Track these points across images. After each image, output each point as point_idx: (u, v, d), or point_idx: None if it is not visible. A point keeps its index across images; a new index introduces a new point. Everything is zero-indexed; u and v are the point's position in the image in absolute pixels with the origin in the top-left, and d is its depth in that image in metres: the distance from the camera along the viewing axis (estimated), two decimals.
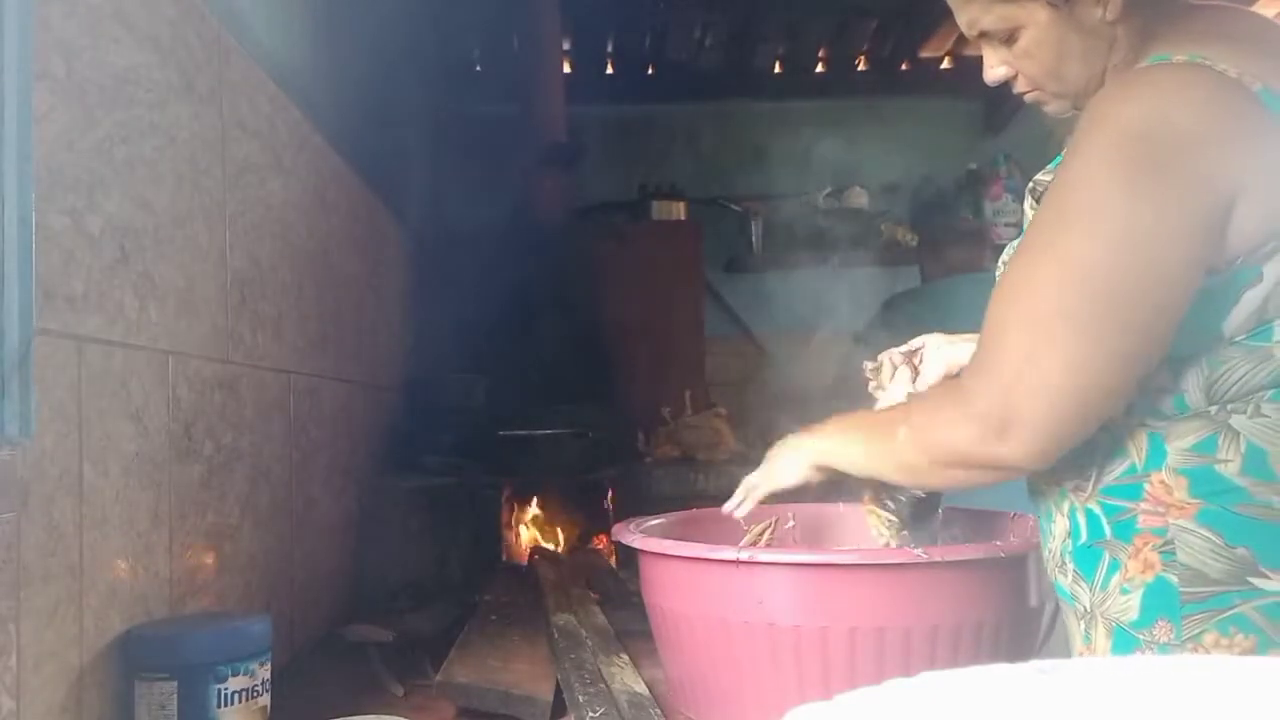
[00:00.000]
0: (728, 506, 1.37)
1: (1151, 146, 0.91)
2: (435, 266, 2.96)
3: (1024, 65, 1.05)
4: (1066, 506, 1.05)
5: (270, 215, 1.59)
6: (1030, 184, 1.08)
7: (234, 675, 1.08)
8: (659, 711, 1.21)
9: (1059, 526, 1.06)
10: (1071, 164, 0.96)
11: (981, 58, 1.10)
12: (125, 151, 1.10)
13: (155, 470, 1.16)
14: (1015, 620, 1.21)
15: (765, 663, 1.14)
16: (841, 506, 1.55)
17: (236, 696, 1.08)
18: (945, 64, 4.16)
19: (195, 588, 1.27)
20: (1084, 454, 1.01)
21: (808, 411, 1.34)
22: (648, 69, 4.17)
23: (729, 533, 1.51)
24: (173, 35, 1.23)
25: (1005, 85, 1.11)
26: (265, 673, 1.13)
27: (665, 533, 1.39)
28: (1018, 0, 1.00)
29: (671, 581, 1.26)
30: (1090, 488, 1.02)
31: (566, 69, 3.81)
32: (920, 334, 2.56)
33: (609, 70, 4.17)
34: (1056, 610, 1.32)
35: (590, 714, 1.19)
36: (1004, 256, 1.14)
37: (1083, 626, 1.04)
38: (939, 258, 3.00)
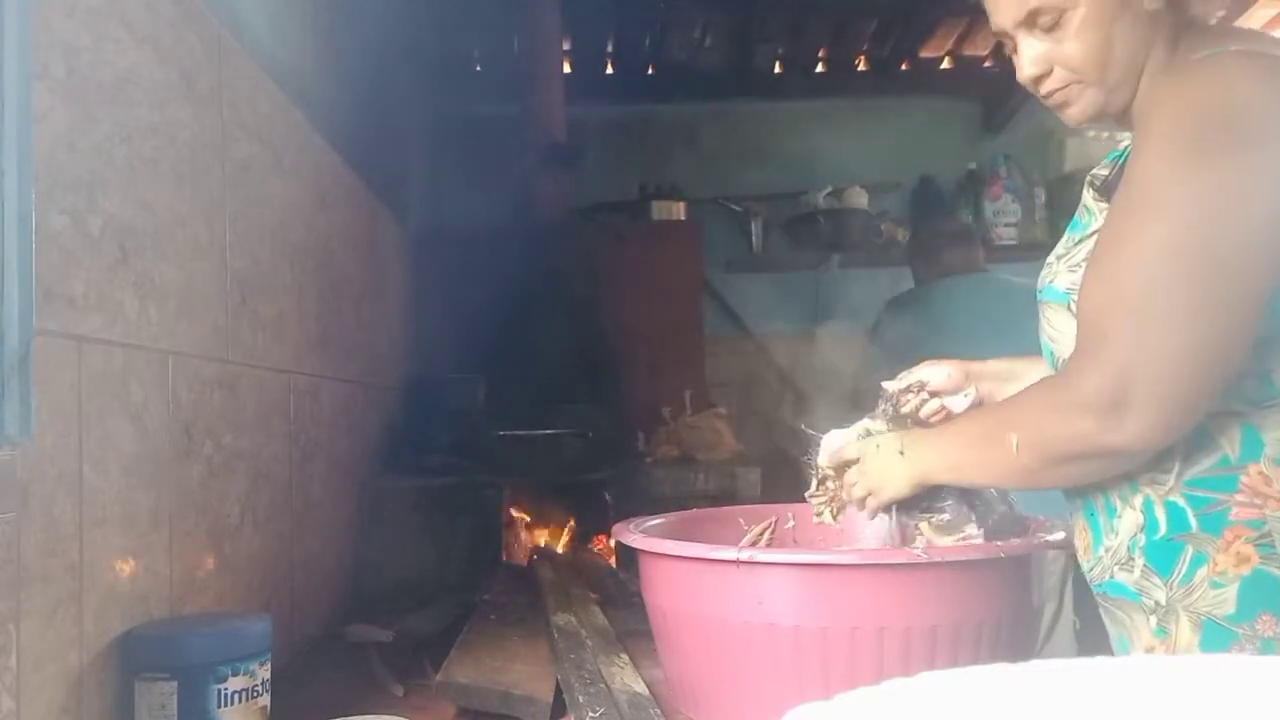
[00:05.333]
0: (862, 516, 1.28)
1: (1225, 121, 0.95)
2: (435, 266, 2.96)
3: (1067, 50, 1.05)
4: (1140, 500, 1.05)
5: (270, 215, 1.59)
6: (1089, 176, 1.10)
7: (234, 675, 1.08)
8: (659, 711, 1.21)
9: (1127, 521, 1.06)
10: (1147, 148, 0.98)
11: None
12: (125, 151, 1.10)
13: (155, 470, 1.16)
14: (1015, 620, 1.21)
15: (765, 663, 1.14)
16: None
17: (236, 696, 1.08)
18: (945, 64, 4.16)
19: (195, 588, 1.27)
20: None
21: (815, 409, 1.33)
22: (648, 69, 4.17)
23: (729, 533, 1.51)
24: (173, 35, 1.23)
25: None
26: (265, 673, 1.13)
27: (665, 533, 1.39)
28: None
29: (671, 581, 1.26)
30: (1173, 480, 1.02)
31: (566, 69, 3.81)
32: (921, 334, 2.57)
33: (609, 70, 4.17)
34: (1058, 610, 1.32)
35: (590, 714, 1.19)
36: (1058, 251, 1.14)
37: (1153, 621, 1.04)
38: (931, 260, 2.99)
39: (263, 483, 1.53)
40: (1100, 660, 0.54)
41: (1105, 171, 1.08)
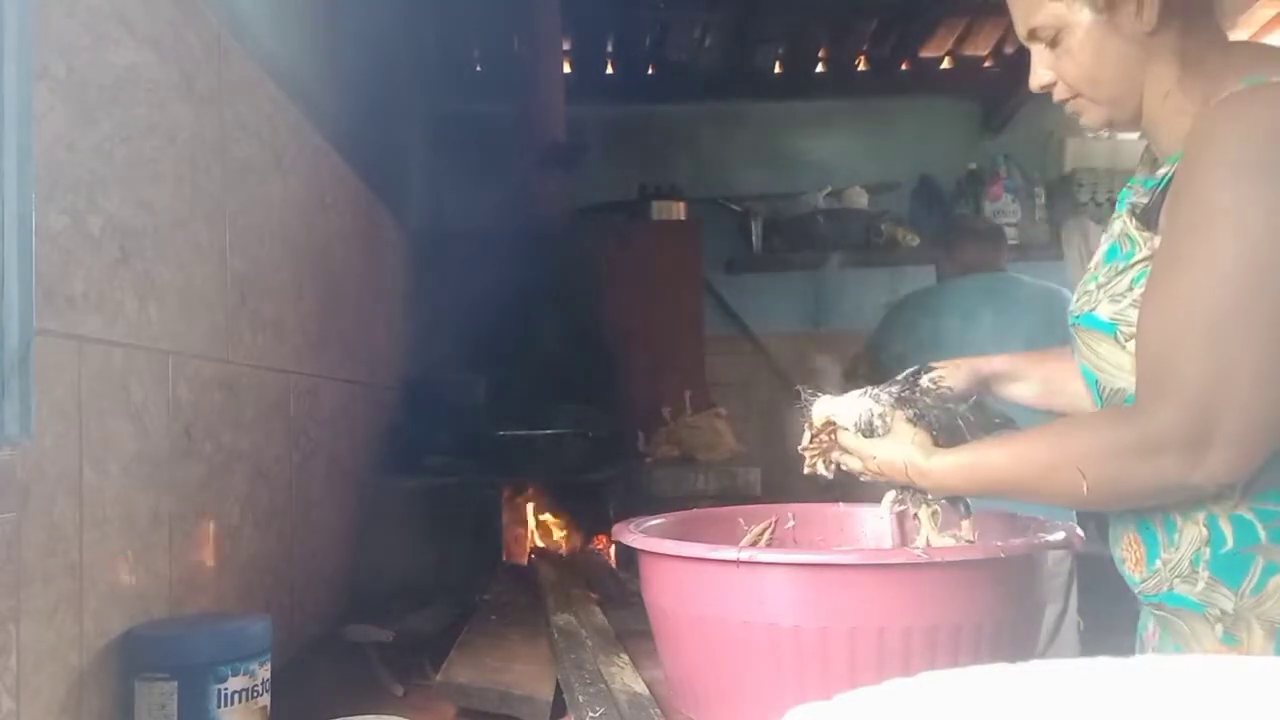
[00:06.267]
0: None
1: (1277, 153, 0.96)
2: (435, 266, 2.96)
3: (1065, 66, 1.11)
4: (1203, 516, 1.06)
5: (270, 215, 1.59)
6: (1129, 205, 1.12)
7: (234, 675, 1.08)
8: (659, 711, 1.21)
9: (1188, 536, 1.07)
10: (1200, 178, 0.99)
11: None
12: (125, 151, 1.10)
13: (155, 470, 1.16)
14: (1015, 620, 1.21)
15: (765, 663, 1.14)
16: (841, 506, 1.55)
17: (236, 696, 1.08)
18: (945, 64, 4.16)
19: (195, 588, 1.27)
20: None
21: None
22: (648, 69, 4.18)
23: (729, 533, 1.51)
24: (173, 35, 1.23)
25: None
26: (265, 673, 1.13)
27: (665, 533, 1.39)
28: (1068, 2, 1.07)
29: (671, 581, 1.26)
30: (1238, 496, 1.04)
31: (566, 69, 3.81)
32: (931, 331, 2.58)
33: (609, 70, 4.18)
34: (1063, 611, 1.33)
35: (590, 714, 1.19)
36: (1098, 279, 1.13)
37: (1219, 629, 1.06)
38: (952, 256, 3.00)
39: (263, 483, 1.53)
40: (1100, 660, 0.54)
41: (1144, 200, 1.09)
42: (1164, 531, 1.11)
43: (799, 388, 1.29)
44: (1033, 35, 1.12)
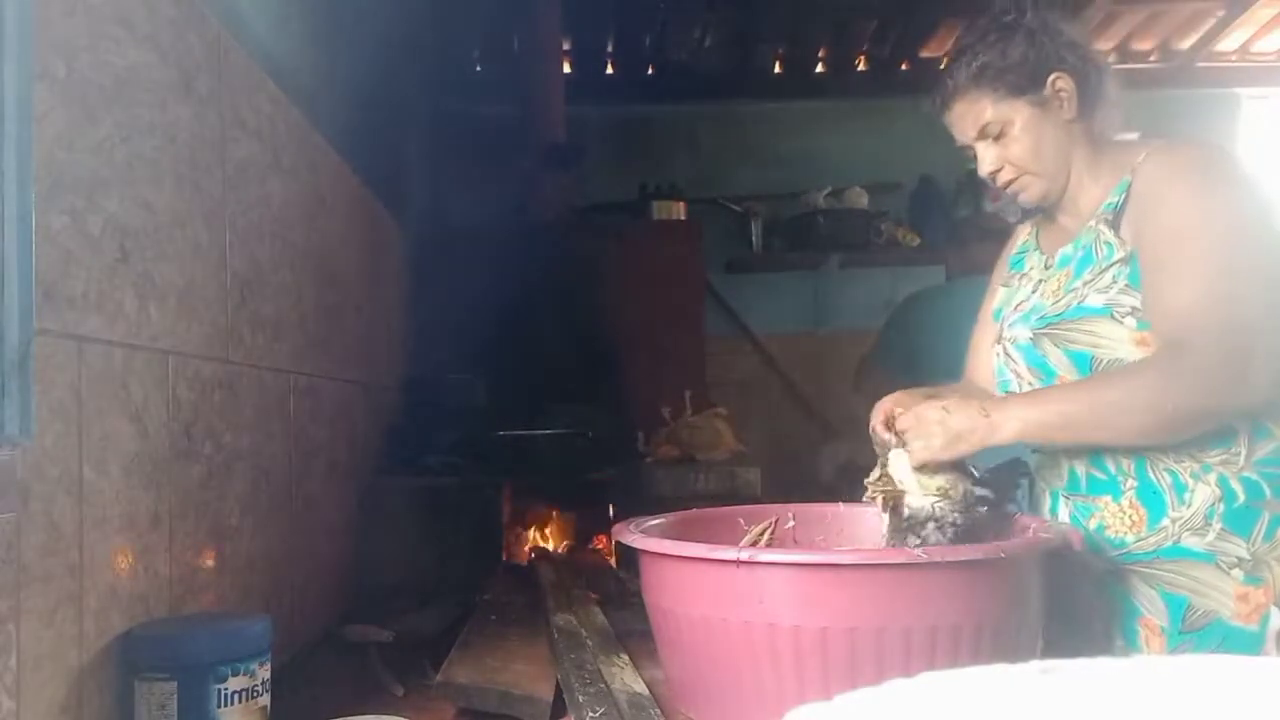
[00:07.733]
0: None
1: (1221, 171, 1.32)
2: (435, 266, 2.96)
3: (1011, 151, 1.41)
4: (1213, 477, 1.31)
5: (270, 215, 1.59)
6: (1100, 213, 1.39)
7: (234, 675, 1.08)
8: (659, 711, 1.21)
9: (1201, 495, 1.31)
10: (1168, 196, 1.31)
11: None
12: (125, 151, 1.10)
13: (155, 470, 1.16)
14: (1015, 620, 1.21)
15: (765, 663, 1.14)
16: (841, 507, 1.55)
17: (236, 696, 1.08)
18: (945, 64, 4.16)
19: (195, 588, 1.27)
20: (1227, 436, 1.30)
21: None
22: (648, 69, 4.18)
23: (729, 533, 1.51)
24: (173, 35, 1.23)
25: None
26: (265, 673, 1.13)
27: (665, 533, 1.39)
28: (1009, 102, 1.40)
29: (671, 581, 1.26)
30: (1242, 461, 1.30)
31: (566, 69, 3.82)
32: (933, 332, 2.68)
33: (609, 70, 4.18)
34: None
35: (590, 714, 1.19)
36: (1084, 278, 1.37)
37: (1238, 573, 1.31)
38: (961, 255, 2.99)
39: (263, 483, 1.53)
40: (1100, 660, 0.54)
41: (1110, 215, 1.37)
42: (1174, 494, 1.33)
43: (888, 443, 1.36)
44: (981, 134, 1.42)
